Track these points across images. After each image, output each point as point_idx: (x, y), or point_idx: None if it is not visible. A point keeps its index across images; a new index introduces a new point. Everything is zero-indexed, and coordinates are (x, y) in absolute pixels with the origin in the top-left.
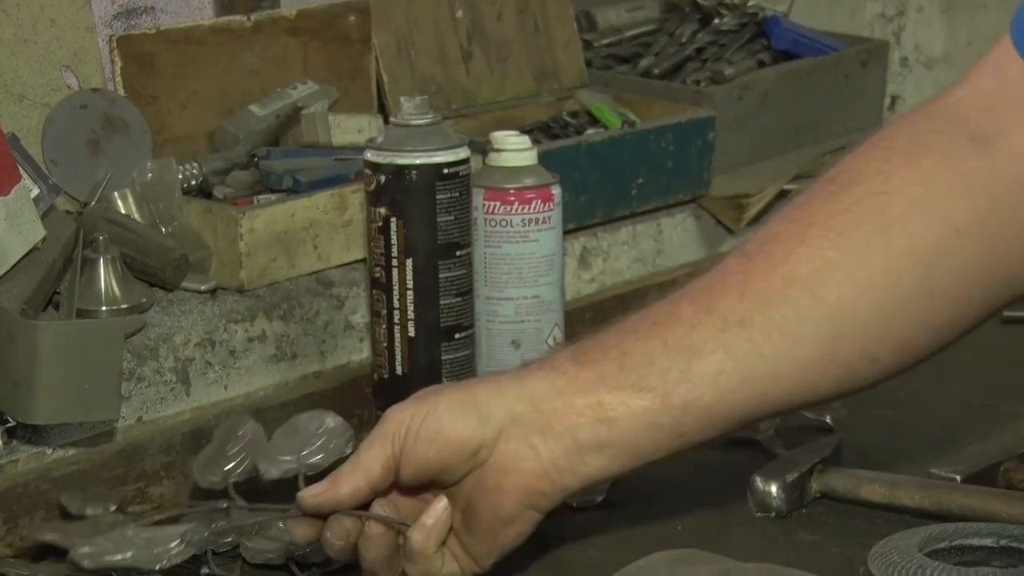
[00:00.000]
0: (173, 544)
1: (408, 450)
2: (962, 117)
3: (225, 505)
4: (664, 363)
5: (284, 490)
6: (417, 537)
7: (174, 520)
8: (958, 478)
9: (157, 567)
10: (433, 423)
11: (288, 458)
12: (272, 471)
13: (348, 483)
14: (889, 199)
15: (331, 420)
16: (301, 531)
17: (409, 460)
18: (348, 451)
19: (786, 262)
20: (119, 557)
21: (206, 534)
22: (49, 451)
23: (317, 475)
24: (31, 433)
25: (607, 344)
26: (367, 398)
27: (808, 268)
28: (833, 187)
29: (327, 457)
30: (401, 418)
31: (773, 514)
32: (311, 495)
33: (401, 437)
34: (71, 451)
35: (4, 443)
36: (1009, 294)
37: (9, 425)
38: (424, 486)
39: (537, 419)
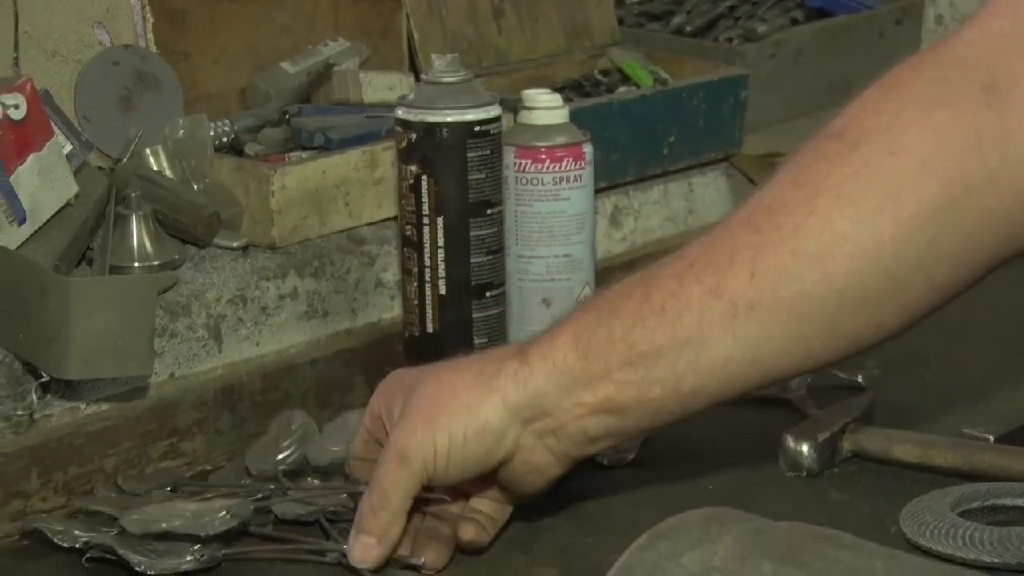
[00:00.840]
0: (219, 515)
1: (438, 480)
2: (974, 63)
3: (273, 487)
4: (673, 356)
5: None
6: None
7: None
8: (991, 438)
9: (202, 534)
10: (457, 459)
11: (336, 448)
12: (321, 459)
13: (396, 529)
14: (900, 160)
15: None
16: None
17: (438, 484)
18: None
19: (795, 236)
20: (165, 525)
21: (251, 508)
22: (83, 406)
23: None
24: (65, 388)
25: (611, 332)
26: (398, 356)
27: (818, 242)
28: (840, 145)
29: None
30: (425, 456)
31: (804, 473)
32: (368, 559)
33: (428, 476)
34: (104, 406)
35: (38, 398)
36: (1016, 249)
37: (43, 380)
38: None
39: (547, 423)
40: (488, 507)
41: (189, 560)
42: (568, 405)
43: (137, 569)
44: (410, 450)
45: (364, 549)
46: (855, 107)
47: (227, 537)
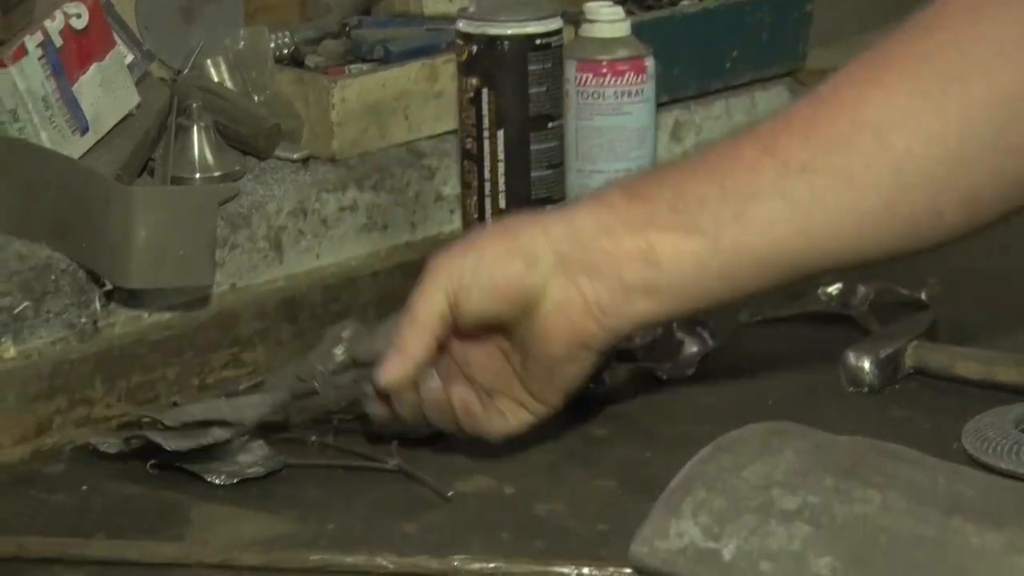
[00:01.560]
0: (253, 402)
1: (462, 302)
2: None
3: (316, 383)
4: (718, 206)
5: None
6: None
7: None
8: None
9: (233, 419)
10: (484, 274)
11: (381, 344)
12: (365, 354)
13: (417, 344)
14: (975, 45)
15: None
16: (382, 412)
17: (464, 311)
18: None
19: (855, 106)
20: (200, 415)
21: (288, 397)
22: (145, 315)
23: None
24: (128, 297)
25: (662, 182)
26: None
27: (878, 113)
28: (917, 30)
29: None
30: (451, 271)
31: (865, 389)
32: (391, 375)
33: (453, 291)
34: (167, 315)
35: (102, 306)
36: None
37: (106, 289)
38: (485, 333)
39: (583, 259)
40: (510, 407)
41: (218, 433)
42: (608, 246)
43: (167, 448)
44: (439, 265)
45: (388, 365)
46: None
47: (268, 427)
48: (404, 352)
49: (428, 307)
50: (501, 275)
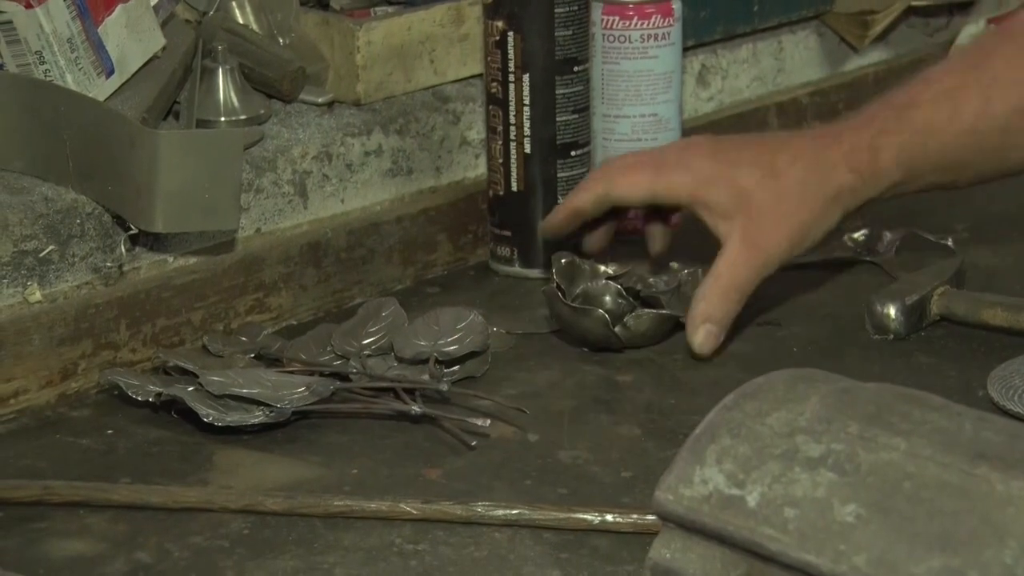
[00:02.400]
0: (298, 391)
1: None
2: None
3: (354, 371)
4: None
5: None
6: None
7: (302, 372)
8: None
9: (278, 405)
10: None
11: (423, 343)
12: (406, 351)
13: (731, 322)
14: None
15: (474, 317)
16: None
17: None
18: (483, 347)
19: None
20: (245, 391)
21: (331, 389)
22: (170, 259)
23: (448, 362)
24: (153, 241)
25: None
26: (482, 214)
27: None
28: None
29: (460, 348)
30: (780, 259)
31: (891, 336)
32: (709, 344)
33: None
34: (192, 259)
35: (127, 250)
36: None
37: (131, 232)
38: None
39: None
40: None
41: (258, 415)
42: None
43: (205, 420)
44: (770, 256)
45: (708, 336)
46: None
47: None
48: (723, 327)
49: (750, 289)
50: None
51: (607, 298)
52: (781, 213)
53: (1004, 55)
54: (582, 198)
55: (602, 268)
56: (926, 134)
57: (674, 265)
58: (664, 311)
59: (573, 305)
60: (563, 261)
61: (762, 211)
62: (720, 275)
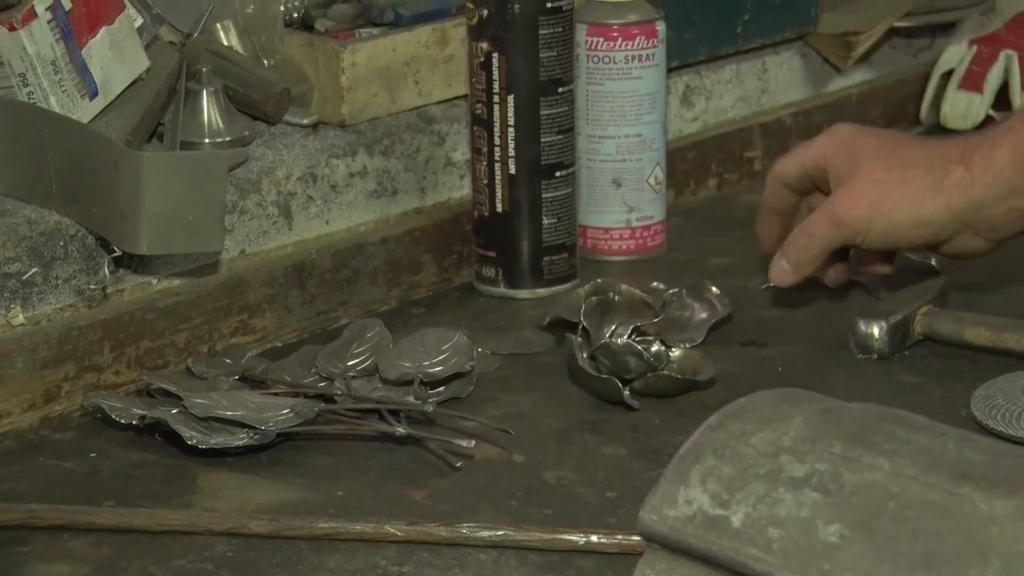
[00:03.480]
0: (283, 412)
1: (858, 244)
2: None
3: (339, 392)
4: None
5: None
6: None
7: (287, 394)
8: None
9: (263, 428)
10: (890, 238)
11: (408, 364)
12: (391, 372)
13: (809, 269)
14: None
15: (459, 338)
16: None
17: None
18: (467, 368)
19: None
20: (229, 413)
21: (315, 411)
22: (154, 281)
23: (433, 383)
24: (136, 263)
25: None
26: (467, 235)
27: None
28: None
29: (446, 369)
30: (858, 228)
31: (875, 356)
32: (782, 279)
33: (853, 241)
34: (176, 281)
35: (110, 272)
36: None
37: (115, 255)
38: None
39: (985, 224)
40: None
41: (243, 437)
42: (1004, 210)
43: (189, 442)
44: (849, 219)
45: (781, 272)
46: None
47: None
48: (797, 269)
49: (827, 244)
50: (904, 238)
51: (629, 358)
52: (878, 186)
53: None
54: (765, 195)
55: (638, 294)
56: None
57: (658, 286)
58: (676, 375)
59: (588, 371)
60: (594, 299)
61: (862, 181)
62: (807, 224)
